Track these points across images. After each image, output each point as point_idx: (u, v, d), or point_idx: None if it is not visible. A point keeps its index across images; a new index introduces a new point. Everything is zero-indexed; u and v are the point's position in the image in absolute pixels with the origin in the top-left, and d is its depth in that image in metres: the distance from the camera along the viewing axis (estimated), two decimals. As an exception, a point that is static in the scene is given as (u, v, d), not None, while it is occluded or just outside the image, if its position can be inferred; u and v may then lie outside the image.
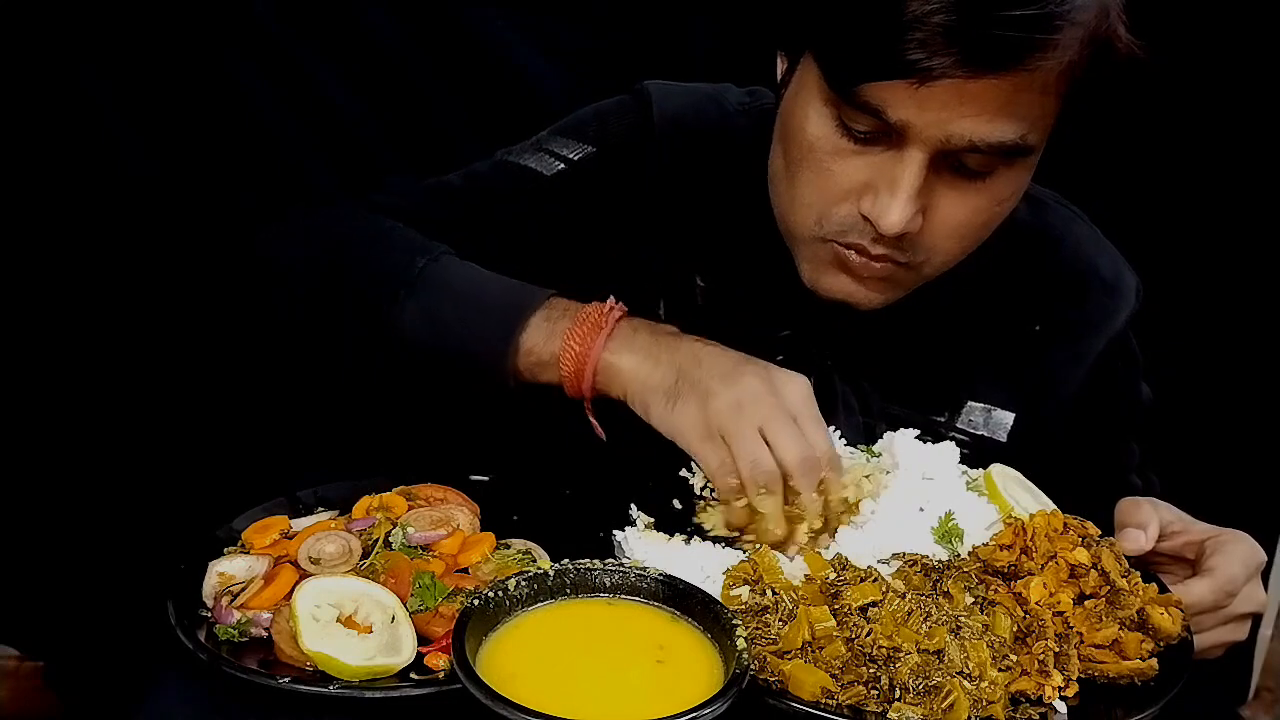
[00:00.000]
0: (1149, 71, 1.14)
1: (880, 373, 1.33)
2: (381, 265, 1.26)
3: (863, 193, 1.17)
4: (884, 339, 1.32)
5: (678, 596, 0.99)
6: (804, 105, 1.19)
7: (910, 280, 1.25)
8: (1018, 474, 1.19)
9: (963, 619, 0.98)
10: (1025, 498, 1.16)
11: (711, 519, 1.17)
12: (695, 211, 1.34)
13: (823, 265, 1.24)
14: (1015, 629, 0.99)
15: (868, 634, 0.96)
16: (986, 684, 0.95)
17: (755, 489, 1.11)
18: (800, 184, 1.21)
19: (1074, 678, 0.99)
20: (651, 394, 1.15)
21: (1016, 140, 1.12)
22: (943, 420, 1.35)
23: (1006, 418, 1.36)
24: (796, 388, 1.15)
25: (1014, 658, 0.98)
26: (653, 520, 1.17)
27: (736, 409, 1.12)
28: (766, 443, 1.11)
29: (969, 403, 1.36)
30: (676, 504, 1.21)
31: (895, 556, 1.07)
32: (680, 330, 1.21)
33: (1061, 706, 0.98)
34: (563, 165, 1.37)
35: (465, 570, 1.09)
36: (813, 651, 0.97)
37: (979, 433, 1.35)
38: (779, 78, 1.26)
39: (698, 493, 1.22)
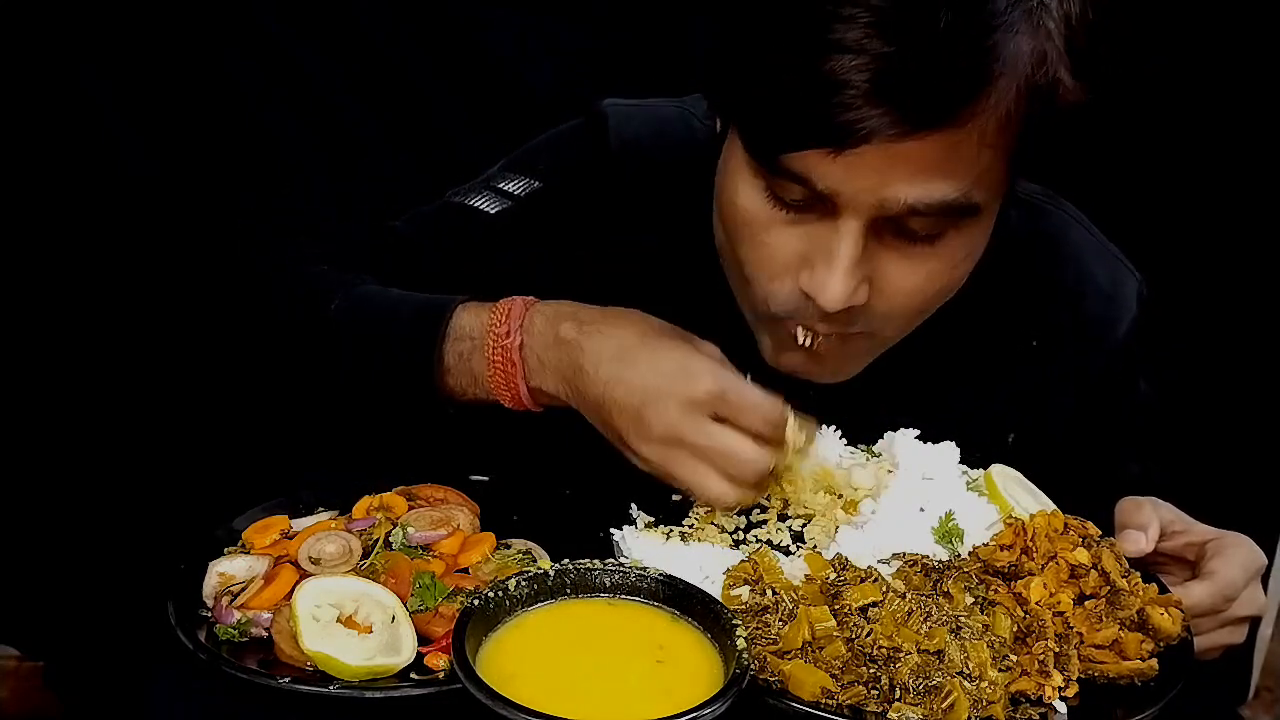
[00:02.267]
0: (1115, 105, 1.07)
1: (868, 398, 1.26)
2: (302, 317, 1.23)
3: (801, 266, 1.10)
4: (871, 365, 1.25)
5: (678, 596, 0.99)
6: (733, 175, 1.12)
7: (871, 349, 1.20)
8: (1018, 474, 1.19)
9: (963, 619, 0.98)
10: (1025, 498, 1.16)
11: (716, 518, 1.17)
12: (654, 242, 1.27)
13: (779, 343, 1.19)
14: (1015, 629, 0.99)
15: (868, 634, 0.96)
16: (986, 684, 0.95)
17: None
18: (740, 258, 1.15)
19: (1074, 678, 0.99)
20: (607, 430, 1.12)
21: (958, 199, 1.05)
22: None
23: (1001, 440, 1.31)
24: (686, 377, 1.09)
25: (1014, 658, 0.98)
26: (653, 519, 1.17)
27: (662, 460, 1.09)
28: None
29: (962, 427, 1.31)
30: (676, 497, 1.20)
31: (895, 556, 1.07)
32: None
33: (1061, 707, 0.98)
34: (508, 203, 1.30)
35: (465, 570, 1.09)
36: (813, 651, 0.97)
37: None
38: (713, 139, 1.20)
39: None
